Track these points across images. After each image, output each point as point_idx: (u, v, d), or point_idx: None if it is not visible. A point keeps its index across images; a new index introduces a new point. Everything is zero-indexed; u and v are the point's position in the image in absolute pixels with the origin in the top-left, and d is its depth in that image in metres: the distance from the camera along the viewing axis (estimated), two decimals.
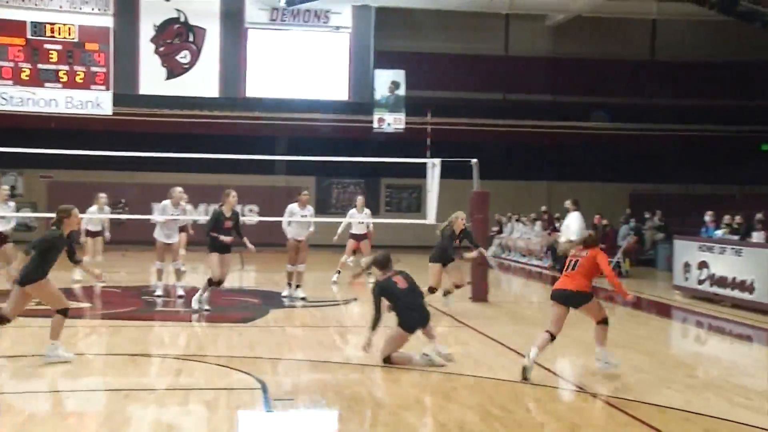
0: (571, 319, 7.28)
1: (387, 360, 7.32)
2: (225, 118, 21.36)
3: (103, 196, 13.80)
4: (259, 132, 22.12)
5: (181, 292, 12.07)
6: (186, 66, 19.94)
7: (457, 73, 22.32)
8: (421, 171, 15.02)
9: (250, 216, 23.86)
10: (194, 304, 10.53)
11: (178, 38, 20.01)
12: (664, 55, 22.24)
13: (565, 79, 22.62)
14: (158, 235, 12.09)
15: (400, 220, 16.02)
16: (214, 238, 10.51)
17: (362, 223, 14.28)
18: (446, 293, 11.09)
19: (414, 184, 23.18)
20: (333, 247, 15.29)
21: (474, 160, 13.79)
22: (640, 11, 21.85)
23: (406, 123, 20.27)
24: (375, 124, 20.28)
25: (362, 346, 7.39)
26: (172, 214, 12.08)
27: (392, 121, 20.24)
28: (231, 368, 7.07)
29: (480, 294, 12.31)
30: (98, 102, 18.78)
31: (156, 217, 12.32)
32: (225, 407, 5.75)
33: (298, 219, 12.38)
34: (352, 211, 14.43)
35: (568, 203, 13.13)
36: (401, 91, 20.30)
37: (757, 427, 5.46)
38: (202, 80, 20.08)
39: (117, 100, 19.02)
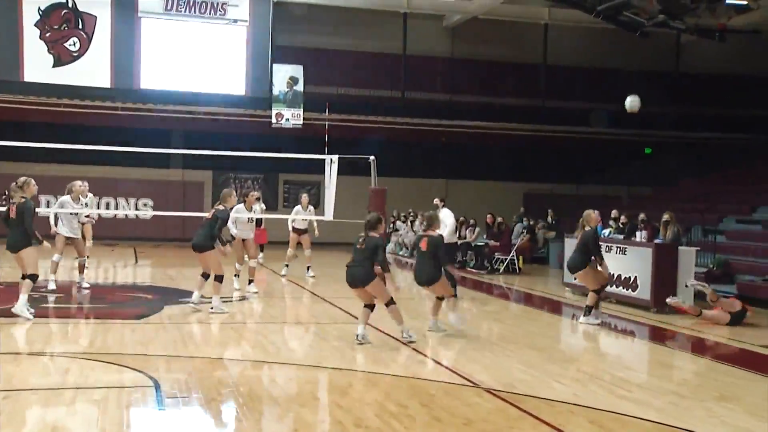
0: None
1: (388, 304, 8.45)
2: (118, 109, 20.68)
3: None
4: (154, 125, 21.54)
5: (86, 284, 12.20)
6: (75, 54, 19.19)
7: (356, 71, 22.45)
8: (319, 167, 15.05)
9: (145, 210, 23.23)
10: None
11: (66, 25, 19.22)
12: (556, 59, 23.10)
13: (462, 79, 23.14)
14: (60, 229, 11.96)
15: (297, 216, 15.95)
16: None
17: (305, 220, 14.54)
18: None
19: (313, 180, 23.18)
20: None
21: (371, 157, 13.93)
22: (532, 15, 22.63)
23: (305, 119, 20.25)
24: (273, 120, 20.16)
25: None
26: (73, 208, 11.98)
27: (290, 117, 20.17)
28: (122, 366, 6.88)
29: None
30: None
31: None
32: (115, 406, 5.59)
33: (244, 218, 12.37)
34: (298, 207, 14.54)
35: (436, 201, 13.57)
36: (299, 87, 20.26)
37: (636, 417, 5.80)
38: (94, 69, 19.38)
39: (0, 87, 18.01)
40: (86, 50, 19.33)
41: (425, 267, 8.98)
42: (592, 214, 10.55)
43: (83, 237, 12.42)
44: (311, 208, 14.62)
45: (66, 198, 12.04)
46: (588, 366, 7.96)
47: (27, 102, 20.04)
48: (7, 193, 9.99)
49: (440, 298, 9.26)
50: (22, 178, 9.56)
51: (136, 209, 23.24)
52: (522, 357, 8.00)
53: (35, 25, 18.68)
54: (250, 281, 12.34)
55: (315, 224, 14.79)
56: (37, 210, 9.60)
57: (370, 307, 8.49)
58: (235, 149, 16.67)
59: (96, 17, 19.29)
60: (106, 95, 20.08)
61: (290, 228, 14.69)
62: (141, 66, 19.48)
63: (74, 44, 19.11)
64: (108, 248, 19.72)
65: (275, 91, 20.20)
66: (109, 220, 22.38)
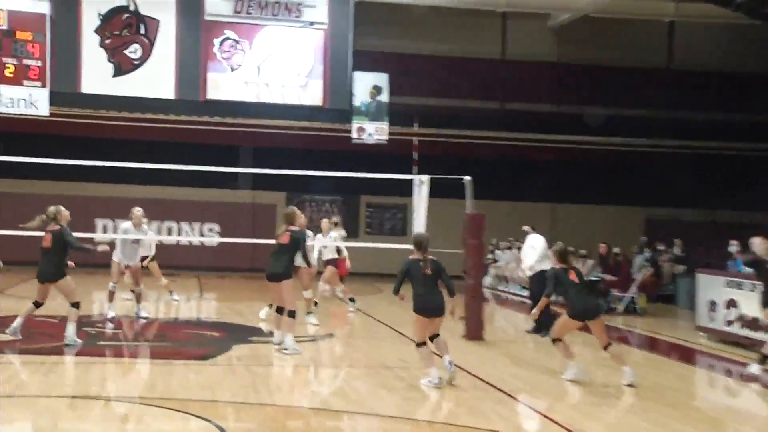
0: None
1: (419, 345, 8.61)
2: (182, 123, 21.25)
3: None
4: (221, 140, 22.06)
5: (144, 314, 12.79)
6: (136, 62, 19.76)
7: (448, 78, 22.46)
8: (406, 188, 15.03)
9: (210, 236, 23.73)
10: None
11: (127, 30, 19.87)
12: (683, 63, 22.52)
13: (570, 87, 22.82)
14: (116, 256, 12.61)
15: (381, 245, 15.98)
16: None
17: (326, 247, 14.65)
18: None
19: (398, 203, 23.22)
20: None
21: (467, 178, 13.80)
22: (655, 12, 22.13)
23: (390, 133, 20.26)
24: (354, 134, 20.22)
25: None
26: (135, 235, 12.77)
27: (374, 131, 20.18)
28: (186, 413, 6.95)
29: (474, 331, 12.28)
30: (33, 100, 18.44)
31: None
32: None
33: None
34: (319, 236, 14.64)
35: (527, 228, 13.54)
36: (384, 97, 20.28)
37: None
38: (156, 79, 19.85)
39: (55, 99, 18.74)
40: (148, 58, 19.92)
41: (282, 261, 10.13)
42: None
43: (150, 273, 13.01)
44: (335, 234, 14.74)
45: (128, 225, 12.54)
46: (731, 429, 7.56)
47: (83, 115, 20.86)
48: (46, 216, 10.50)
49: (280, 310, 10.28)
50: (52, 209, 10.37)
51: (201, 235, 23.78)
52: (649, 414, 7.69)
53: (95, 31, 19.37)
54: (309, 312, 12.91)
55: (344, 251, 15.00)
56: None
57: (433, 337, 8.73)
58: (310, 168, 16.86)
59: (159, 21, 19.89)
60: (169, 108, 20.66)
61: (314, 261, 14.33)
62: (207, 75, 19.97)
63: (135, 51, 19.73)
64: (169, 279, 20.19)
65: (356, 102, 20.28)
66: (171, 248, 22.93)
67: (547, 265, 13.24)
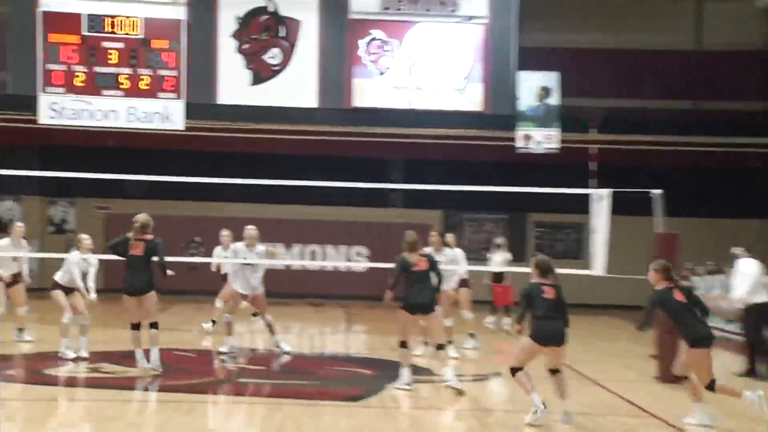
0: None
1: (513, 371, 8.91)
2: (325, 134, 21.81)
3: (20, 226, 13.76)
4: (368, 153, 22.44)
5: (286, 348, 13.15)
6: (276, 68, 20.40)
7: (630, 75, 21.96)
8: (582, 204, 14.77)
9: (358, 261, 24.11)
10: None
11: (266, 33, 20.52)
12: None
13: None
14: (233, 283, 13.08)
15: (556, 270, 15.73)
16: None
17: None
18: None
19: (573, 221, 22.85)
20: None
21: (656, 191, 13.44)
22: None
23: (562, 141, 20.00)
24: (519, 143, 20.11)
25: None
26: (245, 258, 12.89)
27: (542, 139, 19.99)
28: None
29: (669, 372, 11.87)
30: (167, 114, 19.27)
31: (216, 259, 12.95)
32: None
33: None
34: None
35: (737, 250, 12.88)
36: (554, 100, 20.05)
37: None
38: (296, 86, 20.43)
39: (190, 112, 19.56)
40: (288, 63, 20.47)
41: (429, 290, 10.59)
42: None
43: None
44: (497, 257, 15.34)
45: (239, 245, 12.90)
46: None
47: (218, 128, 21.73)
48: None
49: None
50: (143, 217, 11.12)
51: (347, 260, 24.22)
52: None
53: (232, 35, 20.17)
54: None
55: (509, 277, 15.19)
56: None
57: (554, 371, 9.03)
58: (469, 182, 16.85)
59: (300, 22, 20.47)
60: (311, 117, 21.17)
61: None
62: (353, 80, 20.38)
63: (275, 56, 20.37)
64: (312, 309, 20.71)
65: (522, 106, 20.15)
66: (315, 274, 23.54)
67: (764, 297, 12.70)
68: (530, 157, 20.36)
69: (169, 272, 11.23)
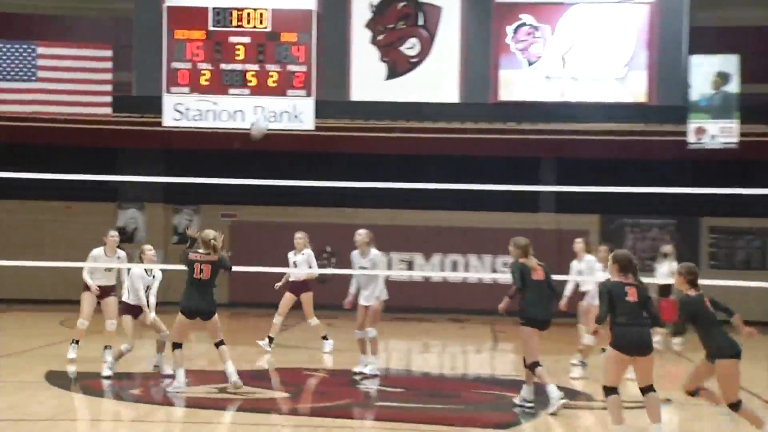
0: None
1: (608, 392, 8.64)
2: (467, 132, 21.66)
3: (114, 235, 13.60)
4: (516, 152, 22.16)
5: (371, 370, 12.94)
6: (414, 60, 20.43)
7: None
8: (766, 207, 14.20)
9: (504, 272, 23.81)
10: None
11: (403, 21, 20.55)
12: None
13: None
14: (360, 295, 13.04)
15: (732, 282, 15.01)
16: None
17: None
18: None
19: (755, 226, 22.05)
20: None
21: None
22: None
23: (742, 134, 19.28)
24: (691, 137, 19.47)
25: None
26: (361, 267, 12.98)
27: (718, 132, 19.29)
28: None
29: None
30: (297, 113, 19.52)
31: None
32: None
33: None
34: (290, 254, 15.23)
35: None
36: (733, 87, 19.32)
37: None
38: (436, 80, 20.39)
39: (321, 110, 19.73)
40: (427, 54, 20.42)
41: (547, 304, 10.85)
42: None
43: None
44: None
45: (355, 253, 12.95)
46: None
47: (351, 128, 21.85)
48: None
49: None
50: (212, 233, 11.33)
51: (493, 271, 24.00)
52: None
53: (366, 25, 20.27)
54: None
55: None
56: None
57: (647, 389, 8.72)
58: (631, 183, 16.33)
59: (441, 8, 20.41)
60: (452, 114, 21.09)
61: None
62: (499, 71, 20.16)
63: (413, 47, 20.36)
64: (455, 325, 20.59)
65: (694, 96, 19.48)
66: (457, 286, 23.40)
67: None
68: (703, 154, 19.69)
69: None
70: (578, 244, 14.72)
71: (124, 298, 12.81)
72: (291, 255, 15.31)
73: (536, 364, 10.66)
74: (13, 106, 18.96)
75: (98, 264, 13.03)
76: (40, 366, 12.86)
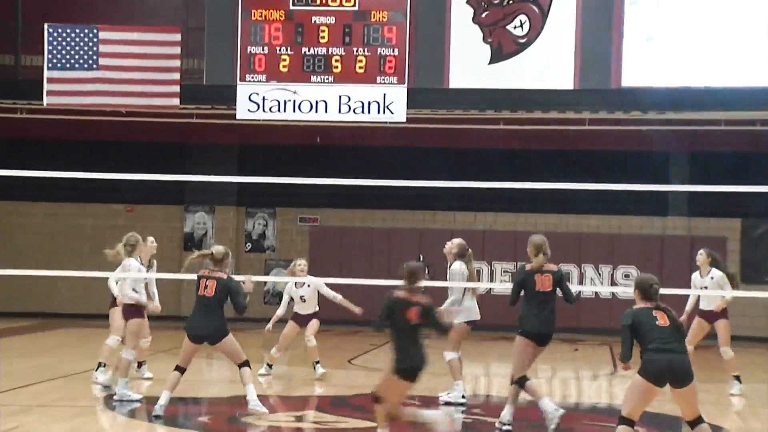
0: None
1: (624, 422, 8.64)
2: (585, 123, 21.48)
3: (151, 241, 13.63)
4: (640, 146, 21.98)
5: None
6: (522, 41, 20.26)
7: None
8: None
9: (626, 285, 23.56)
10: None
11: None
12: None
13: None
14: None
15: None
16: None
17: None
18: None
19: None
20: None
21: None
22: None
23: None
24: None
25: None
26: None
27: None
28: None
29: None
30: (388, 103, 19.45)
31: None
32: None
33: None
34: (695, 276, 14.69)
35: None
36: None
37: None
38: (549, 63, 20.17)
39: (415, 100, 19.67)
40: (538, 34, 20.19)
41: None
42: None
43: None
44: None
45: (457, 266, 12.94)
46: None
47: (449, 119, 21.78)
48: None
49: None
50: (222, 249, 11.59)
51: (612, 284, 23.74)
52: None
53: (467, 2, 20.12)
54: None
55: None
56: None
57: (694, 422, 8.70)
58: None
59: None
60: (566, 102, 20.86)
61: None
62: (623, 54, 19.93)
63: (522, 26, 20.15)
64: (568, 347, 20.44)
65: None
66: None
67: None
68: None
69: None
70: (701, 256, 14.72)
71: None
72: (291, 288, 15.02)
73: (524, 379, 11.07)
74: (72, 97, 19.05)
75: (136, 274, 12.82)
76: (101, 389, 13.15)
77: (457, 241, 13.27)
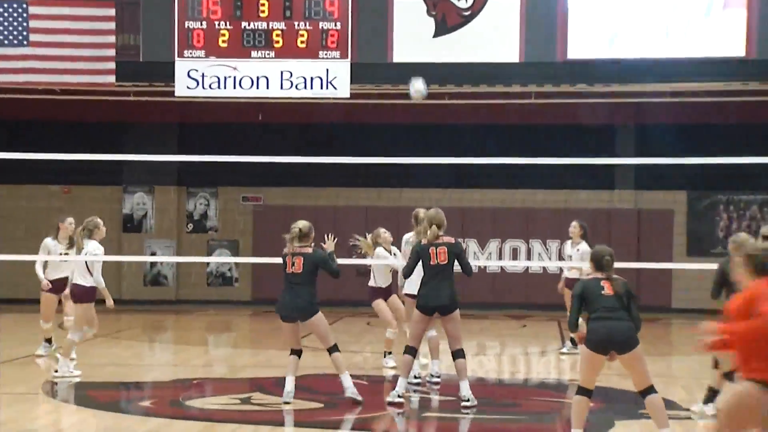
0: None
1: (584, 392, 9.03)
2: (531, 96, 21.48)
3: (70, 222, 13.90)
4: (586, 119, 22.05)
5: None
6: (467, 13, 20.23)
7: None
8: None
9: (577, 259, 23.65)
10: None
11: None
12: None
13: None
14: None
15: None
16: None
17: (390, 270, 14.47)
18: None
19: None
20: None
21: None
22: None
23: None
24: None
25: None
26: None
27: None
28: None
29: None
30: (331, 78, 19.41)
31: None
32: None
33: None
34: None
35: None
36: None
37: None
38: (493, 36, 20.13)
39: (358, 75, 19.60)
40: (482, 6, 20.15)
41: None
42: None
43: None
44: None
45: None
46: None
47: (392, 94, 21.68)
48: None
49: None
50: (305, 224, 11.53)
51: (560, 258, 23.84)
52: None
53: None
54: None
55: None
56: None
57: None
58: (725, 153, 16.18)
59: None
60: (511, 76, 20.83)
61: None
62: (568, 25, 19.95)
63: None
64: (516, 323, 20.54)
65: None
66: (518, 278, 23.33)
67: None
68: None
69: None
70: (573, 228, 16.01)
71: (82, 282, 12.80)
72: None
73: (412, 349, 11.43)
74: (1, 75, 18.92)
75: (98, 258, 12.87)
76: (38, 375, 13.08)
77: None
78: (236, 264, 23.61)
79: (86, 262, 12.63)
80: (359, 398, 11.26)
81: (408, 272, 11.61)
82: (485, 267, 23.09)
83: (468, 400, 11.08)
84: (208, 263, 23.42)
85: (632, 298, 9.02)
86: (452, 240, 11.43)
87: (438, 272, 11.21)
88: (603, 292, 8.94)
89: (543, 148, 18.68)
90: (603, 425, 10.60)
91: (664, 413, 9.00)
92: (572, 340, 15.80)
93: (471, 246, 23.28)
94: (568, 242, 16.18)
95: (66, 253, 13.72)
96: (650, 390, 8.88)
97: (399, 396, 11.20)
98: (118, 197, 24.52)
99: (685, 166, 17.25)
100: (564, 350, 16.30)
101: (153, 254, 23.70)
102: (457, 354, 11.28)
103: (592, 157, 16.89)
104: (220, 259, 12.04)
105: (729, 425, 6.65)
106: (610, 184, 23.73)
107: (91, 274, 12.64)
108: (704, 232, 23.82)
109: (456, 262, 11.32)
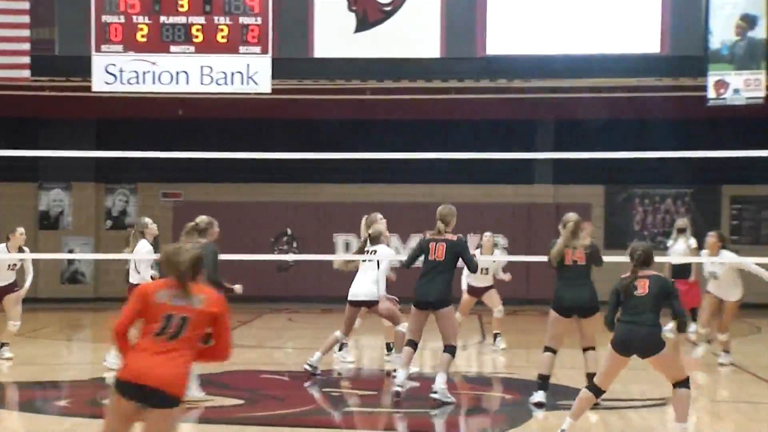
0: None
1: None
2: (451, 92, 21.61)
3: (21, 232, 14.01)
4: (506, 114, 22.17)
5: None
6: (387, 8, 20.31)
7: None
8: None
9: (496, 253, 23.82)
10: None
11: None
12: None
13: None
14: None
15: (760, 259, 15.08)
16: None
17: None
18: None
19: None
20: None
21: None
22: None
23: None
24: (711, 93, 19.54)
25: None
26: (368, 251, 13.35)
27: (742, 86, 19.35)
28: None
29: None
30: (252, 74, 19.29)
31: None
32: None
33: None
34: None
35: None
36: (760, 32, 19.34)
37: None
38: (414, 31, 20.26)
39: (279, 70, 19.55)
40: (403, 2, 20.23)
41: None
42: None
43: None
44: (679, 245, 15.13)
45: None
46: None
47: (314, 89, 21.71)
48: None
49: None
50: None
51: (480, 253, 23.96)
52: None
53: None
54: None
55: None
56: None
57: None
58: (641, 147, 16.47)
59: None
60: (431, 72, 20.99)
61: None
62: (487, 21, 20.12)
63: None
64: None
65: (714, 44, 19.47)
66: None
67: None
68: (725, 112, 19.75)
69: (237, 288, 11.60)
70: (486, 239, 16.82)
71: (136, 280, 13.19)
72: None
73: (411, 342, 11.58)
74: None
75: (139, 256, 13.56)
76: None
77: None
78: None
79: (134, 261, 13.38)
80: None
81: (407, 263, 11.82)
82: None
83: (436, 392, 11.03)
84: (127, 260, 23.18)
85: (671, 295, 9.01)
86: (454, 237, 11.43)
87: (433, 268, 11.25)
88: (636, 292, 8.95)
89: (463, 143, 18.76)
90: (520, 415, 10.82)
91: (685, 409, 9.02)
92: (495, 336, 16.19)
93: (393, 242, 23.34)
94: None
95: (14, 264, 13.86)
96: (680, 384, 8.95)
97: (399, 386, 11.28)
98: (34, 194, 24.20)
99: (603, 161, 17.44)
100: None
101: (71, 251, 23.42)
102: (445, 349, 11.43)
103: (512, 152, 16.99)
104: (139, 256, 11.96)
105: None
106: (530, 179, 23.93)
107: (139, 273, 13.29)
108: (621, 224, 24.24)
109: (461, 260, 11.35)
